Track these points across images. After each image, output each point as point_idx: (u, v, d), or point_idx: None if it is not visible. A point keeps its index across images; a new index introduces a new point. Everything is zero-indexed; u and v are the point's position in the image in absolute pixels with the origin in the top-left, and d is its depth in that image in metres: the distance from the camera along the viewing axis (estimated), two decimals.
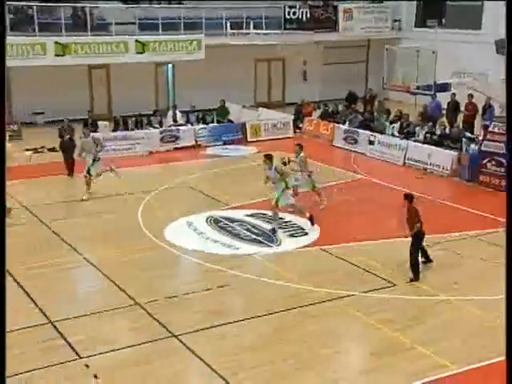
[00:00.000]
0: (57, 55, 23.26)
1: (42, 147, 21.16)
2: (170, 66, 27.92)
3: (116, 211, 14.82)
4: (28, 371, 8.29)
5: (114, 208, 15.16)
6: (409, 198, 11.27)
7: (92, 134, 17.41)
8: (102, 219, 14.57)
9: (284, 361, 8.64)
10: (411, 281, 11.06)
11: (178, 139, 21.99)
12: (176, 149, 21.71)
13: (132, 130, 22.30)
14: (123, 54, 24.48)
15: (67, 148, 18.40)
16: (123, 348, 8.91)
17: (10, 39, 22.64)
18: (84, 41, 23.85)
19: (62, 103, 24.46)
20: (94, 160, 16.31)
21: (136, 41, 24.67)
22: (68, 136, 18.62)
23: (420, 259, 11.40)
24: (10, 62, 23.04)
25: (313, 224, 13.87)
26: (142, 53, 24.82)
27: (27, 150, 21.29)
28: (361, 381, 8.43)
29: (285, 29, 28.39)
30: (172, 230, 13.70)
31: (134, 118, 23.07)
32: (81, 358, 8.64)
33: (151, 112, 24.42)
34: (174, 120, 23.35)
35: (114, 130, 22.29)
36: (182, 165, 20.04)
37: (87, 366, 8.44)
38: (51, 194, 16.71)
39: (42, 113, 25.28)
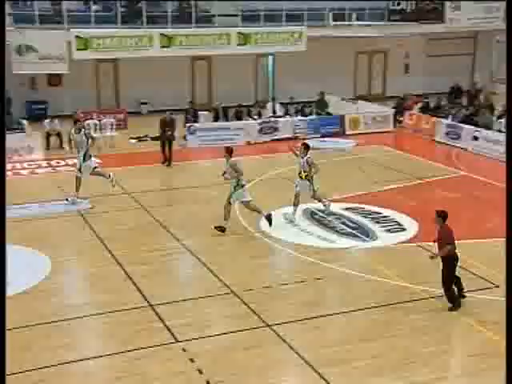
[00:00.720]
0: (162, 47, 23.96)
1: (146, 136, 21.89)
2: (270, 57, 28.07)
3: (213, 200, 15.12)
4: (129, 351, 8.62)
5: (212, 197, 15.45)
6: (441, 215, 9.69)
7: (84, 130, 15.94)
8: (199, 207, 14.90)
9: (378, 357, 8.54)
10: (450, 310, 9.77)
11: (277, 131, 22.12)
12: (274, 140, 21.85)
13: (231, 120, 22.70)
14: (225, 46, 24.86)
15: (166, 139, 18.94)
16: (219, 334, 9.09)
17: (120, 32, 23.54)
18: (188, 33, 24.42)
19: (165, 93, 25.21)
20: (84, 156, 15.23)
21: (238, 33, 24.98)
22: (168, 129, 19.05)
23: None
24: (118, 54, 24.01)
25: (270, 224, 13.13)
26: (243, 44, 25.10)
27: (131, 138, 22.11)
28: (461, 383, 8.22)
29: (388, 20, 27.85)
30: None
31: (233, 109, 23.44)
32: (178, 341, 8.90)
33: (251, 103, 24.68)
34: (273, 112, 23.50)
35: (215, 121, 22.72)
36: (279, 156, 20.13)
37: (184, 350, 8.69)
38: (152, 181, 17.28)
39: (147, 103, 26.12)
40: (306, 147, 13.74)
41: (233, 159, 13.39)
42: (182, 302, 10.15)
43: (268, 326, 9.31)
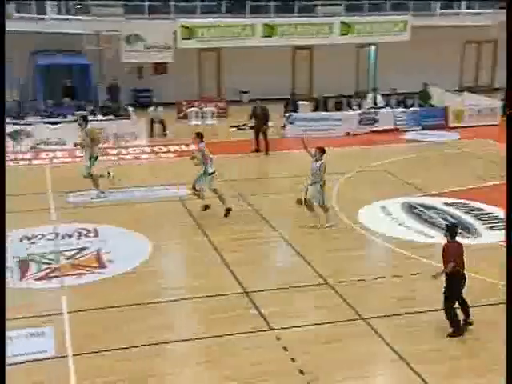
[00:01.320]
0: (264, 36, 24.09)
1: (244, 125, 22.11)
2: (372, 47, 27.59)
3: None
4: (222, 335, 8.77)
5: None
6: (450, 231, 8.80)
7: (90, 125, 15.39)
8: (295, 197, 14.88)
9: (474, 357, 8.25)
10: (450, 336, 8.74)
11: (377, 122, 21.75)
12: (374, 132, 21.49)
13: (331, 111, 22.55)
14: (327, 35, 24.66)
15: (258, 128, 19.07)
16: (312, 325, 9.07)
17: (224, 22, 23.88)
18: (290, 22, 24.41)
19: (265, 83, 25.34)
20: (91, 158, 14.72)
21: (341, 22, 24.70)
22: (260, 119, 19.17)
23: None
24: (221, 43, 24.37)
25: (226, 215, 13.29)
26: (345, 34, 24.80)
27: (232, 126, 22.41)
28: None
29: (500, 8, 26.64)
30: (366, 213, 13.62)
31: (333, 100, 23.25)
32: (272, 329, 8.96)
33: (351, 94, 24.38)
34: (374, 102, 23.10)
35: (314, 111, 22.63)
36: (378, 148, 19.80)
37: (278, 338, 8.74)
38: (249, 170, 17.46)
39: (248, 92, 26.38)
40: (322, 151, 12.68)
41: (202, 145, 13.48)
42: (276, 290, 10.21)
43: (362, 319, 9.20)
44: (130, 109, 21.41)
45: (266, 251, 12.14)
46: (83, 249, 11.76)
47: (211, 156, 13.51)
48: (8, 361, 8.05)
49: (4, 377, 6.01)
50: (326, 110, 22.69)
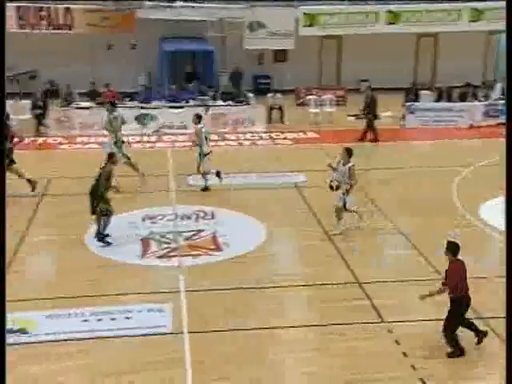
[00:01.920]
0: (388, 23, 23.56)
1: (363, 113, 21.78)
2: (503, 35, 26.22)
3: (424, 182, 14.62)
4: (333, 324, 8.76)
5: (425, 179, 14.99)
6: (451, 248, 8.07)
7: (119, 111, 15.39)
8: (413, 188, 14.53)
9: None
10: (449, 357, 8.05)
11: (504, 114, 20.68)
12: (500, 124, 20.48)
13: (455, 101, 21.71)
14: (455, 23, 23.71)
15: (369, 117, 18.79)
16: (426, 320, 8.83)
17: (347, 9, 23.56)
18: (415, 9, 23.68)
19: (386, 71, 24.80)
20: (116, 142, 14.73)
21: (471, 8, 23.65)
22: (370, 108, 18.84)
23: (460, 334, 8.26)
24: (343, 30, 24.08)
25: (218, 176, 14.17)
26: (475, 21, 23.74)
27: (349, 115, 22.16)
28: None
29: None
30: (488, 209, 13.06)
31: (458, 90, 22.38)
32: (383, 321, 8.84)
33: (478, 84, 23.36)
34: (503, 93, 21.98)
35: (437, 101, 21.90)
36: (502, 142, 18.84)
37: (389, 331, 8.61)
38: (365, 159, 17.18)
39: (367, 80, 25.93)
40: (350, 153, 11.80)
41: (200, 126, 14.43)
42: (390, 282, 10.04)
43: (481, 318, 8.83)
44: (250, 95, 21.69)
45: (381, 242, 11.95)
46: (200, 231, 12.11)
47: (208, 137, 14.71)
48: (127, 333, 8.52)
49: (4, 377, 6.16)
50: (450, 101, 21.88)
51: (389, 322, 8.80)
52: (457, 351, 8.07)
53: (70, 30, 21.99)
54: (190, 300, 9.40)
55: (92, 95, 20.77)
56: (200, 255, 11.10)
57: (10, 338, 8.27)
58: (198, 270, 10.53)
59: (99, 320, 8.83)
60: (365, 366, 7.84)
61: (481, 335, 8.30)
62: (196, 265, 10.75)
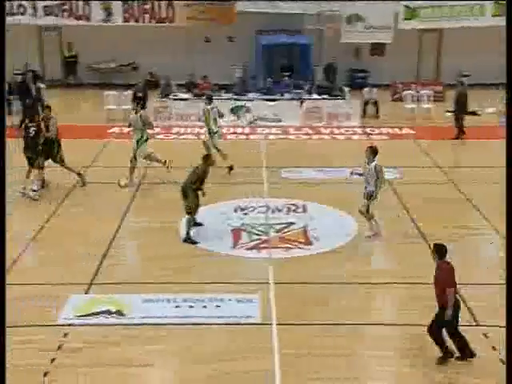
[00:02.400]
0: (494, 15, 22.68)
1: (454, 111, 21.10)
2: None
3: None
4: (421, 324, 8.56)
5: None
6: (438, 251, 7.72)
7: (142, 111, 14.87)
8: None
9: None
10: (440, 363, 7.67)
11: None
12: None
13: None
14: None
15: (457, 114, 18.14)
16: None
17: (450, 2, 22.85)
18: None
19: (488, 66, 23.86)
20: (138, 141, 14.46)
21: None
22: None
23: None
24: (446, 24, 23.39)
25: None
26: None
27: (448, 111, 21.47)
28: None
29: None
30: None
31: None
32: (479, 325, 8.55)
33: None
34: None
35: None
36: None
37: (485, 335, 8.32)
38: (465, 156, 16.69)
39: (468, 75, 25.07)
40: (374, 152, 11.34)
41: (209, 107, 14.88)
42: (486, 285, 9.70)
43: None
44: (346, 89, 21.48)
45: (478, 243, 11.55)
46: (291, 224, 12.13)
47: (217, 117, 15.17)
48: (217, 321, 8.67)
49: (4, 377, 6.17)
50: None
51: (484, 326, 8.50)
52: (448, 355, 7.72)
53: (171, 23, 22.55)
54: (278, 292, 9.44)
55: (189, 87, 21.21)
56: (290, 248, 11.12)
57: (107, 319, 8.64)
58: (287, 263, 10.56)
59: (191, 307, 9.04)
60: (457, 369, 7.61)
61: (463, 354, 7.77)
62: (286, 257, 10.78)
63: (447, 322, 7.59)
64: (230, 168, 14.97)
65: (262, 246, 11.22)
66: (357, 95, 21.51)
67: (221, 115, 15.55)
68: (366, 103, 21.37)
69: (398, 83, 23.63)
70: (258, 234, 11.68)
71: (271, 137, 18.92)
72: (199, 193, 11.24)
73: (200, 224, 11.63)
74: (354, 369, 7.78)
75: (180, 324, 8.64)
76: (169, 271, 10.18)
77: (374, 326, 8.69)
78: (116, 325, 8.57)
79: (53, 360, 7.48)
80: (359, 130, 19.77)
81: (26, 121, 13.96)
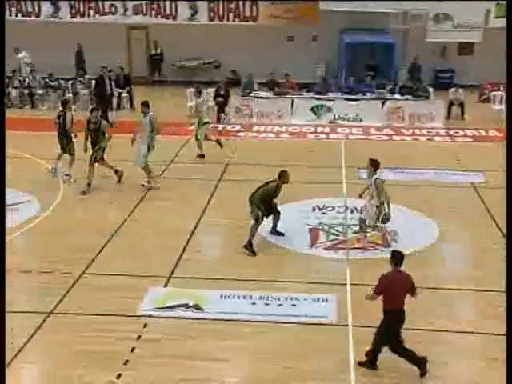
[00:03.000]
0: None
1: None
2: None
3: None
4: (498, 334, 8.29)
5: None
6: (393, 258, 7.67)
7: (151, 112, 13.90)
8: None
9: None
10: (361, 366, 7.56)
11: None
12: None
13: None
14: None
15: None
16: None
17: None
18: None
19: None
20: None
21: None
22: None
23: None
24: None
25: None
26: None
27: None
28: None
29: None
30: None
31: None
32: None
33: None
34: None
35: None
36: None
37: None
38: None
39: None
40: (373, 165, 11.08)
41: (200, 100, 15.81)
42: None
43: None
44: (430, 89, 21.01)
45: None
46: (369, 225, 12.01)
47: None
48: (292, 319, 8.72)
49: (4, 377, 6.20)
50: None
51: None
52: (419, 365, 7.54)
53: (255, 22, 22.72)
54: (355, 293, 9.37)
55: (271, 85, 21.31)
56: (368, 249, 11.02)
57: (184, 312, 8.85)
58: (364, 264, 10.48)
59: (266, 304, 9.12)
60: None
61: (420, 363, 7.57)
62: (363, 259, 10.70)
63: (386, 328, 7.55)
64: (202, 156, 16.02)
65: (340, 246, 11.18)
66: (441, 96, 21.00)
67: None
68: (450, 104, 20.82)
69: (486, 84, 22.92)
70: (335, 234, 11.64)
71: (351, 137, 18.76)
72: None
73: (281, 234, 11.53)
74: (431, 375, 7.63)
75: (256, 321, 8.73)
76: (246, 268, 10.30)
77: (450, 333, 8.50)
78: (193, 318, 8.76)
79: (132, 349, 7.73)
80: (442, 132, 19.30)
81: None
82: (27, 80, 21.76)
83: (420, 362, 7.55)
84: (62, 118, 14.17)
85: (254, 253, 10.77)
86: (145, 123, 13.68)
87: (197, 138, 16.09)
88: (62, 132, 14.13)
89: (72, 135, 14.08)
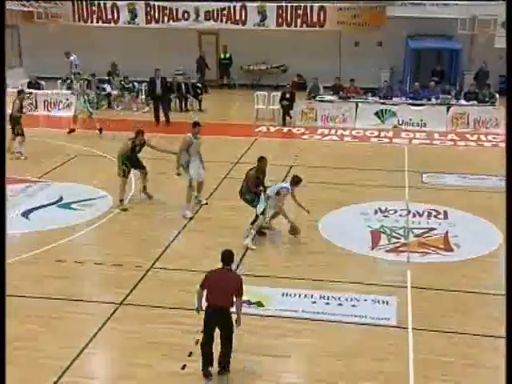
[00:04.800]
0: None
1: None
2: None
3: None
4: None
5: None
6: (224, 256, 7.50)
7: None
8: None
9: None
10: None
11: None
12: None
13: None
14: None
15: None
16: None
17: None
18: None
19: None
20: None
21: None
22: None
23: None
24: None
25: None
26: None
27: None
28: None
29: None
30: None
31: None
32: None
33: None
34: None
35: None
36: None
37: None
38: None
39: None
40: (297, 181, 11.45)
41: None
42: None
43: None
44: (496, 95, 20.41)
45: None
46: (432, 229, 11.77)
47: None
48: (352, 320, 8.64)
49: (4, 377, 6.15)
50: None
51: None
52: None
53: (322, 27, 22.62)
54: (415, 296, 9.22)
55: (336, 89, 21.18)
56: (429, 253, 10.80)
57: (247, 309, 8.88)
58: (425, 268, 10.27)
59: (327, 304, 9.06)
60: None
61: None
62: (424, 262, 10.48)
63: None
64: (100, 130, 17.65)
65: (401, 249, 10.99)
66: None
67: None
68: None
69: None
70: (397, 237, 11.45)
71: (415, 141, 18.43)
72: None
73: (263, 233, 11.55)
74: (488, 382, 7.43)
75: (316, 320, 8.69)
76: (307, 267, 10.27)
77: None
78: (255, 315, 8.79)
79: (197, 342, 7.81)
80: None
81: None
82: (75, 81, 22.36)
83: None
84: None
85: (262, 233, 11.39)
86: (196, 144, 12.50)
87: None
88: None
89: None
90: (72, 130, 18.31)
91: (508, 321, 6.57)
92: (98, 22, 23.58)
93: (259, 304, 9.03)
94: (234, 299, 7.29)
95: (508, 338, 6.41)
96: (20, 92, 16.81)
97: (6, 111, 14.05)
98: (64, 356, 7.78)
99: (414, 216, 12.40)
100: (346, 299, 9.16)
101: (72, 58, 23.43)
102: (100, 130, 18.16)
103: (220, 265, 7.53)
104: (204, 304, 7.42)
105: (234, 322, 7.42)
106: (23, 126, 16.15)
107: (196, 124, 12.60)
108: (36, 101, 21.19)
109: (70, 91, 21.59)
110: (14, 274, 9.67)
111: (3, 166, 8.30)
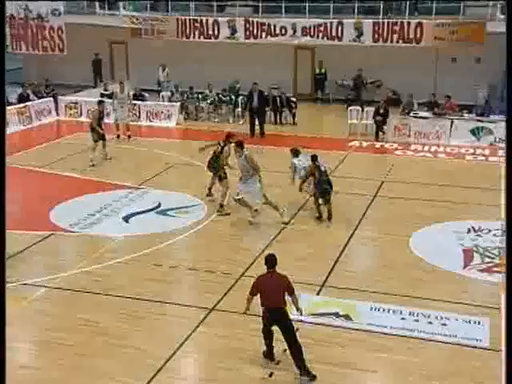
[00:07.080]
0: None
1: None
2: None
3: None
4: None
5: None
6: (265, 260, 7.86)
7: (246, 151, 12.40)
8: None
9: None
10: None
11: None
12: None
13: None
14: None
15: None
16: None
17: None
18: None
19: None
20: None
21: None
22: None
23: None
24: None
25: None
26: None
27: None
28: None
29: None
30: None
31: None
32: None
33: None
34: None
35: None
36: None
37: None
38: None
39: None
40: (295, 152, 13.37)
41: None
42: None
43: None
44: None
45: None
46: None
47: None
48: (441, 339, 8.34)
49: (4, 377, 6.06)
50: None
51: None
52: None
53: (418, 43, 22.12)
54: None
55: (431, 105, 20.63)
56: None
57: (334, 321, 8.78)
58: None
59: (416, 321, 8.79)
60: None
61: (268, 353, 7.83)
62: None
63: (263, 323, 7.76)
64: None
65: (495, 269, 10.51)
66: None
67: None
68: None
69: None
70: (490, 257, 10.97)
71: None
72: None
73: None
74: None
75: (404, 336, 8.45)
76: (396, 282, 10.02)
77: None
78: (343, 327, 8.66)
79: (284, 351, 7.78)
80: None
81: None
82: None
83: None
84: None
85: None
86: (242, 164, 12.32)
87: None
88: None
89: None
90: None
91: (508, 319, 6.29)
92: (199, 38, 24.17)
93: (347, 317, 8.89)
94: (287, 297, 7.58)
95: (508, 338, 6.11)
96: (100, 102, 17.61)
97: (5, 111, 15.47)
98: (159, 356, 7.97)
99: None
100: (436, 317, 8.85)
101: (165, 71, 24.61)
102: (129, 136, 19.41)
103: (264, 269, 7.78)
104: (260, 308, 7.71)
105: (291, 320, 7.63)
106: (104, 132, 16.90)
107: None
108: (139, 112, 21.97)
109: (170, 103, 22.28)
110: (115, 274, 10.05)
111: (3, 166, 8.15)
